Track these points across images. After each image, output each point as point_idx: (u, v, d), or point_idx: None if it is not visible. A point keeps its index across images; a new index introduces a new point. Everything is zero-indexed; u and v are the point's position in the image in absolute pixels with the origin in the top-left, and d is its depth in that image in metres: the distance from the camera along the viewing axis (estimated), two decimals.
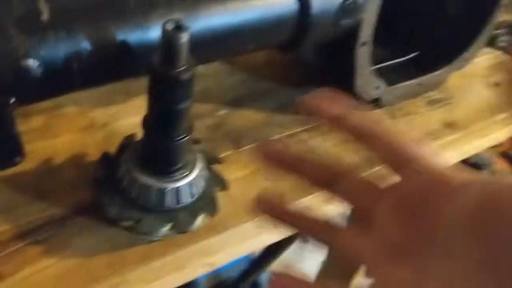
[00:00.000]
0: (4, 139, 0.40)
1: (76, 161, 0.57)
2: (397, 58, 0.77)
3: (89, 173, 0.56)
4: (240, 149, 0.63)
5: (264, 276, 1.52)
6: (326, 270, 1.43)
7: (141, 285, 0.52)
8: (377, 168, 0.64)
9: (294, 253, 1.60)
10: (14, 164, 0.41)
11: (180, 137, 0.45)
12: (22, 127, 0.59)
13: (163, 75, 0.40)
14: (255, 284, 1.50)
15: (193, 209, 0.49)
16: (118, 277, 0.48)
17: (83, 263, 0.49)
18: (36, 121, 0.60)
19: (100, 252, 0.50)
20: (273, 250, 1.54)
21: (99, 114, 0.63)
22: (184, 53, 0.39)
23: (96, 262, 0.49)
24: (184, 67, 0.40)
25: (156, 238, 0.50)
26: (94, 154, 0.58)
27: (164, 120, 0.43)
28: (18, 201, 0.52)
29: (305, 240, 1.64)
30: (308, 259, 1.61)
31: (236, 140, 0.64)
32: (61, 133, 0.60)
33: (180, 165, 0.48)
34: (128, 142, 0.53)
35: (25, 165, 0.55)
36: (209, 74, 0.71)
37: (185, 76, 0.40)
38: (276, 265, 1.57)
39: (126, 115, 0.63)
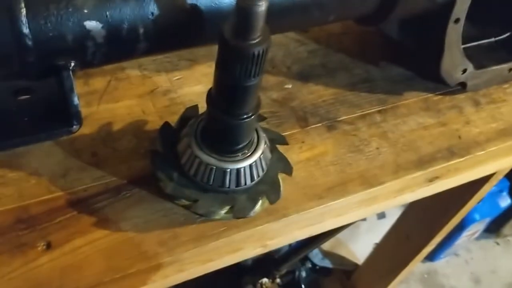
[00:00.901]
0: (62, 105, 0.37)
1: (136, 128, 0.54)
2: (487, 38, 0.70)
3: (149, 142, 0.53)
4: (307, 128, 0.58)
5: (315, 252, 1.50)
6: (379, 252, 1.38)
7: (193, 265, 0.49)
8: (456, 161, 0.59)
9: (347, 231, 1.56)
10: (71, 132, 0.39)
11: (246, 116, 0.41)
12: (84, 89, 0.57)
13: (234, 47, 0.35)
14: (306, 258, 1.47)
15: (253, 193, 0.46)
16: (170, 255, 0.46)
17: (135, 238, 0.46)
18: (99, 83, 0.58)
19: (154, 228, 0.47)
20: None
21: (163, 80, 0.60)
22: (259, 23, 0.35)
23: (149, 238, 0.46)
24: (259, 39, 0.35)
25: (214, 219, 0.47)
26: (154, 121, 0.55)
27: (230, 96, 0.39)
28: (73, 167, 0.50)
29: (360, 219, 1.59)
30: (362, 240, 1.56)
31: (303, 117, 0.59)
32: (122, 97, 0.57)
33: (243, 145, 0.44)
34: (190, 114, 0.50)
35: (83, 129, 0.53)
36: (277, 43, 0.66)
37: (259, 49, 0.35)
38: (329, 242, 1.54)
39: (191, 82, 0.60)
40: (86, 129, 0.53)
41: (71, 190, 0.48)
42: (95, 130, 0.53)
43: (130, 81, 0.59)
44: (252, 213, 0.46)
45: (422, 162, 0.57)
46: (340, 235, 1.56)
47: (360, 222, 1.58)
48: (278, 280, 1.40)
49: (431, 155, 0.58)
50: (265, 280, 1.40)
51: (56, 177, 0.49)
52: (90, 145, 0.52)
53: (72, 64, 0.38)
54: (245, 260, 1.46)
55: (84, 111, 0.55)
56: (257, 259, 1.44)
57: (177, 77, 0.60)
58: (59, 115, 0.39)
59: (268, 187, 0.47)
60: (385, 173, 0.55)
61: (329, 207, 0.53)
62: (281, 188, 0.49)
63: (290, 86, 0.63)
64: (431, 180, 0.60)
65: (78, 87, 0.57)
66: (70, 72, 0.37)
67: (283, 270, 1.39)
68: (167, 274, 0.48)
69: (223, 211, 0.45)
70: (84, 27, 0.37)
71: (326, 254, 1.52)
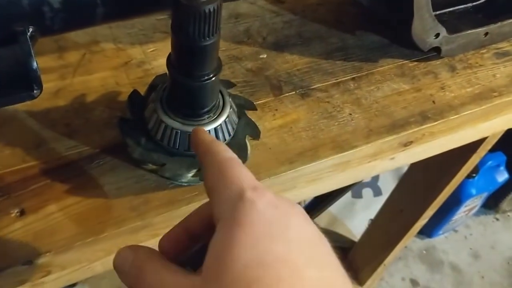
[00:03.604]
0: (21, 71, 0.38)
1: (109, 99, 0.55)
2: (463, 4, 0.70)
3: (121, 112, 0.54)
4: (281, 96, 0.59)
5: None
6: (374, 228, 1.39)
7: (167, 230, 0.50)
8: (429, 125, 0.59)
9: (344, 208, 1.57)
10: (33, 97, 0.40)
11: (207, 78, 0.42)
12: (58, 62, 0.58)
13: (185, 6, 0.36)
14: None
15: None
16: (141, 220, 0.47)
17: (107, 203, 0.47)
18: (73, 56, 0.59)
19: (126, 194, 0.48)
20: (321, 202, 1.51)
21: (137, 52, 0.60)
22: None
23: (120, 204, 0.47)
24: None
25: (182, 183, 0.48)
26: (128, 92, 0.55)
27: (188, 58, 0.40)
28: (47, 137, 0.51)
29: (356, 196, 1.60)
30: (358, 217, 1.57)
31: (277, 86, 0.60)
32: (96, 70, 0.58)
33: (207, 108, 0.44)
34: (159, 81, 0.50)
35: (57, 102, 0.54)
36: (252, 14, 0.67)
37: (210, 7, 0.36)
38: (324, 217, 1.55)
39: (165, 54, 0.59)
40: (60, 101, 0.54)
41: (45, 159, 0.49)
42: (69, 102, 0.54)
43: (104, 54, 0.59)
44: None
45: (395, 127, 0.58)
46: (336, 213, 1.57)
47: (357, 200, 1.59)
48: None
49: (404, 119, 0.59)
50: None
51: (30, 148, 0.50)
52: (64, 116, 0.53)
53: (31, 29, 0.38)
54: None
55: (58, 84, 0.56)
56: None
57: (151, 49, 0.61)
58: (23, 82, 0.40)
59: (235, 151, 0.47)
60: (357, 137, 0.56)
61: (300, 172, 0.53)
62: (248, 152, 0.49)
63: (265, 56, 0.63)
64: (406, 144, 0.60)
65: (52, 61, 0.58)
66: (28, 37, 0.37)
67: None
68: (140, 239, 0.49)
69: (190, 174, 0.46)
70: None
71: (323, 232, 1.53)
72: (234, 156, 0.32)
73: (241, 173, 0.30)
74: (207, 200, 0.49)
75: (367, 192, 1.60)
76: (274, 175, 0.52)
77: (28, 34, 0.38)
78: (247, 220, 0.27)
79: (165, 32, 0.62)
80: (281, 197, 0.29)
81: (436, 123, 0.60)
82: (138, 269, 0.30)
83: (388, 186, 1.56)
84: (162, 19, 0.63)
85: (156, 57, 0.60)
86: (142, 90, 0.54)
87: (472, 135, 0.69)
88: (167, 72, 0.44)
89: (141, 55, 0.60)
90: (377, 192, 1.60)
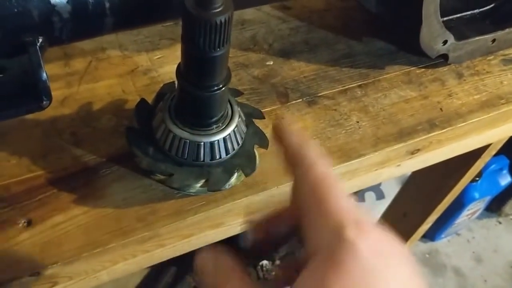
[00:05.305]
0: (31, 81, 0.38)
1: (116, 107, 0.55)
2: (470, 10, 0.69)
3: (128, 120, 0.53)
4: (288, 104, 0.58)
5: None
6: None
7: (173, 240, 0.50)
8: (436, 132, 0.59)
9: None
10: (42, 108, 0.39)
11: (216, 88, 0.41)
12: (64, 70, 0.57)
13: (196, 17, 0.36)
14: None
15: (229, 166, 0.46)
16: (148, 230, 0.47)
17: (114, 214, 0.47)
18: (79, 64, 0.58)
19: (132, 204, 0.48)
20: None
21: (143, 59, 0.60)
22: None
23: (127, 214, 0.47)
24: (221, 8, 0.36)
25: (190, 193, 0.48)
26: (134, 100, 0.55)
27: (198, 68, 0.40)
28: (53, 147, 0.50)
29: (359, 200, 1.60)
30: None
31: (283, 93, 0.59)
32: (103, 77, 0.58)
33: (215, 118, 0.44)
34: (166, 90, 0.50)
35: (63, 110, 0.54)
36: (259, 21, 0.67)
37: (221, 18, 0.36)
38: None
39: (171, 61, 0.60)
40: (66, 110, 0.54)
41: (51, 169, 0.49)
42: (75, 110, 0.54)
43: (110, 61, 0.59)
44: (227, 186, 0.46)
45: (402, 135, 0.58)
46: None
47: (359, 203, 1.58)
48: (277, 262, 1.41)
49: (412, 127, 0.58)
50: (265, 262, 1.41)
51: (36, 157, 0.50)
52: (70, 125, 0.53)
53: (40, 40, 0.38)
54: (245, 243, 1.47)
55: (64, 92, 0.56)
56: (256, 242, 1.45)
57: (157, 56, 0.60)
58: (32, 92, 0.40)
59: (243, 160, 0.47)
60: (364, 146, 0.56)
61: None
62: (257, 161, 0.49)
63: (271, 63, 0.63)
64: (413, 152, 0.60)
65: (59, 68, 0.58)
66: (37, 48, 0.37)
67: (283, 252, 1.40)
68: (147, 249, 0.49)
69: (198, 185, 0.46)
70: (49, 2, 0.37)
71: None
72: (330, 171, 0.28)
73: (341, 201, 0.27)
74: (215, 209, 0.49)
75: (369, 195, 1.59)
76: (282, 184, 0.51)
77: (38, 44, 0.37)
78: (345, 265, 0.24)
79: (172, 39, 0.62)
80: (385, 236, 0.26)
81: (443, 131, 0.59)
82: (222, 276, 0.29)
83: (391, 189, 1.55)
84: (168, 25, 0.63)
85: (162, 64, 0.59)
86: (149, 98, 0.53)
87: (479, 142, 0.68)
88: (176, 82, 0.43)
89: (147, 62, 0.59)
90: (380, 196, 1.60)
